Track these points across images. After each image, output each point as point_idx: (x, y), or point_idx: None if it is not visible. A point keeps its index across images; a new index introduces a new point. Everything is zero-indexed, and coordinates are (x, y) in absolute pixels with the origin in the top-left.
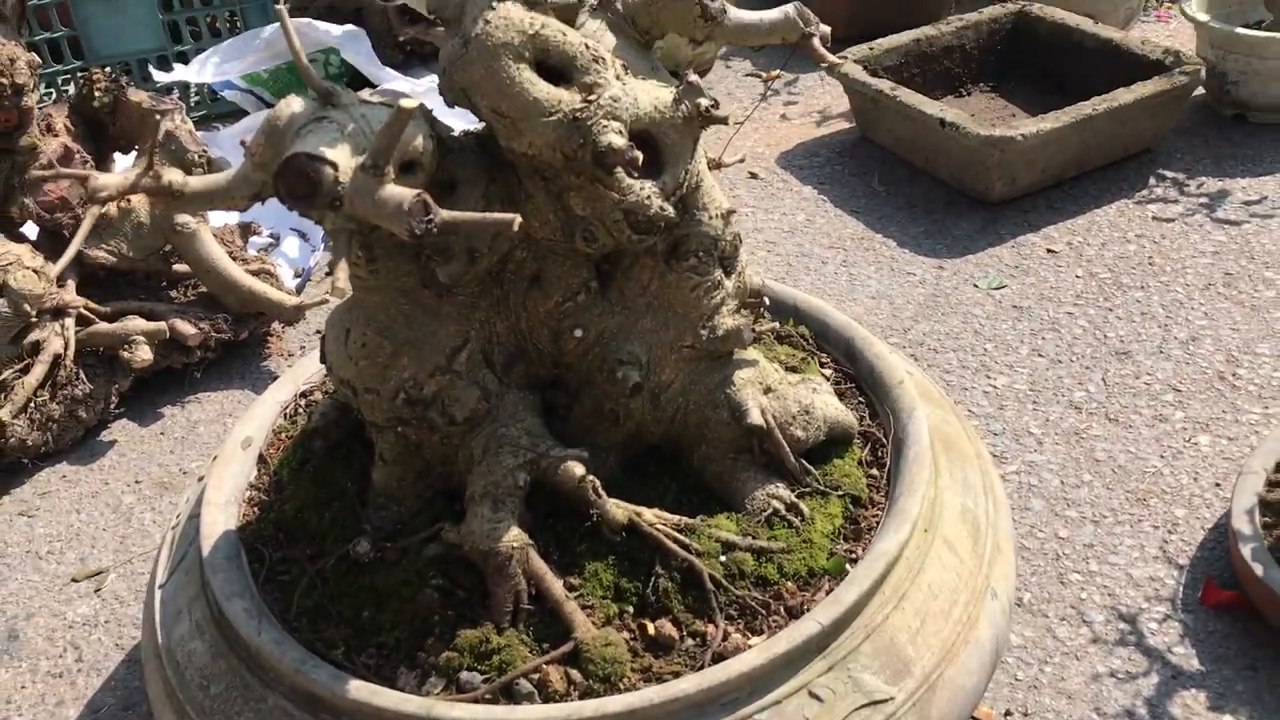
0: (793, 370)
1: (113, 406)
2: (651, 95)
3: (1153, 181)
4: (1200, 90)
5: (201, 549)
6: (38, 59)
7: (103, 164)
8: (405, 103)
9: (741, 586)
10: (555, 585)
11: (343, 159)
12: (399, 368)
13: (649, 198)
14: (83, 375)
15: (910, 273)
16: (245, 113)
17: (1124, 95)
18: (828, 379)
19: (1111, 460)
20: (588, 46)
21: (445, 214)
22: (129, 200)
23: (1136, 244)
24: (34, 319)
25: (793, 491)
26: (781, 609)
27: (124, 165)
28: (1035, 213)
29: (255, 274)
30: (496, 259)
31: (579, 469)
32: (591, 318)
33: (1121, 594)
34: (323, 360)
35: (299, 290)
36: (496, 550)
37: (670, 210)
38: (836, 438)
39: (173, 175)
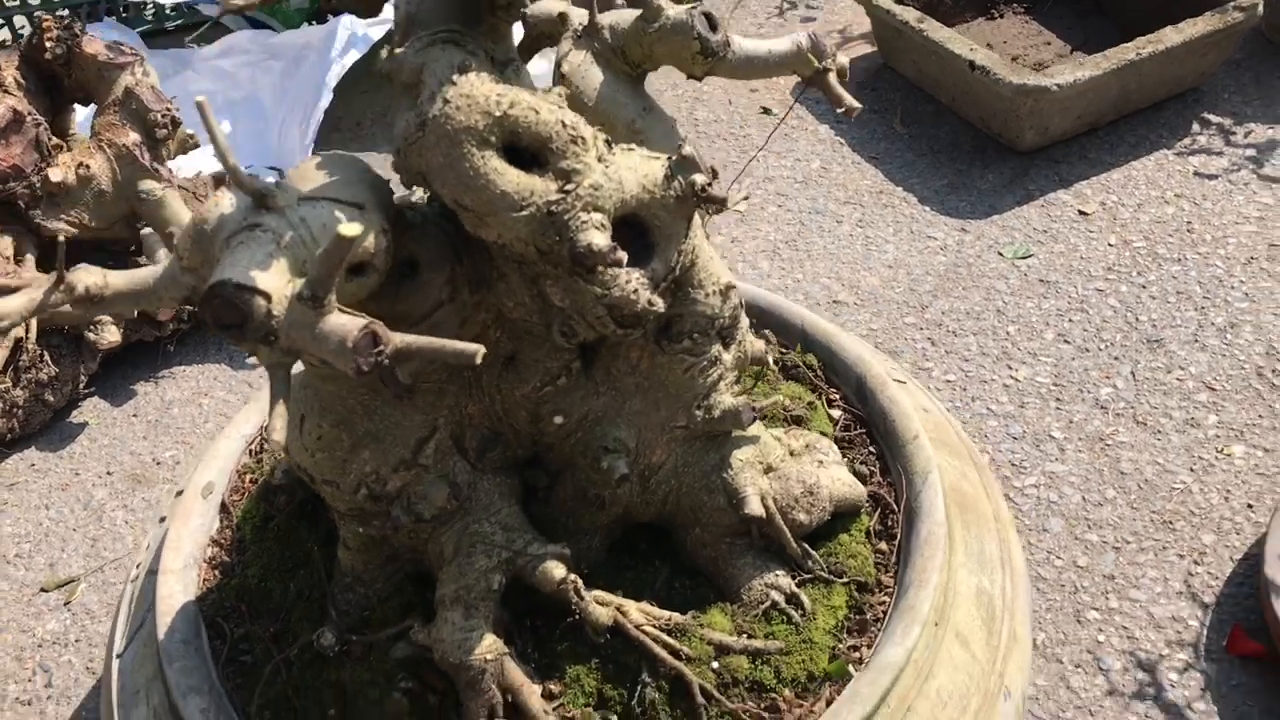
0: (797, 422)
1: (82, 387)
2: (639, 174)
3: (1196, 128)
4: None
5: (158, 627)
6: None
7: (59, 120)
8: (344, 229)
9: (735, 696)
10: (533, 697)
11: (276, 283)
12: (359, 461)
13: (635, 291)
14: (48, 357)
15: (931, 236)
16: (227, 30)
17: (1172, 36)
18: (835, 421)
19: (1138, 473)
20: (565, 124)
21: (398, 340)
22: (87, 166)
23: (1175, 205)
24: None
25: (793, 579)
26: None
27: (84, 117)
28: (1067, 164)
29: None
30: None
31: (559, 570)
32: (574, 401)
33: (1141, 637)
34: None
35: None
36: (469, 664)
37: (660, 304)
38: (843, 512)
39: (89, 279)
